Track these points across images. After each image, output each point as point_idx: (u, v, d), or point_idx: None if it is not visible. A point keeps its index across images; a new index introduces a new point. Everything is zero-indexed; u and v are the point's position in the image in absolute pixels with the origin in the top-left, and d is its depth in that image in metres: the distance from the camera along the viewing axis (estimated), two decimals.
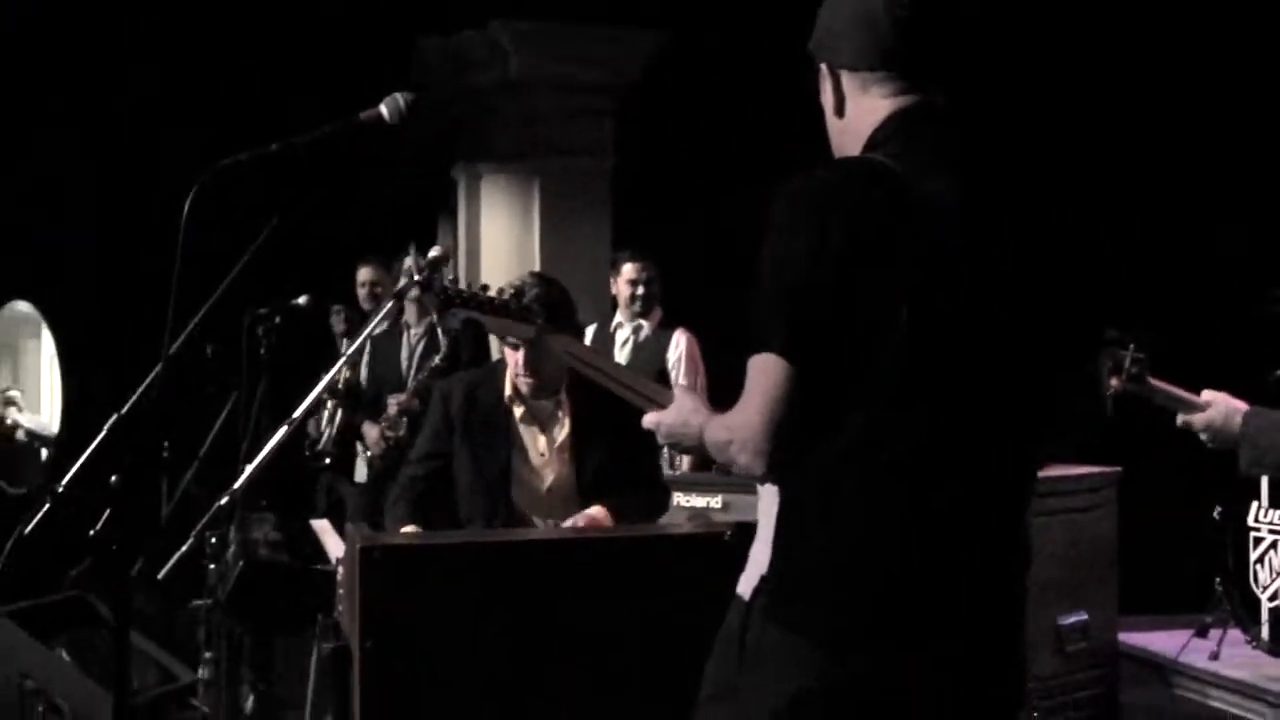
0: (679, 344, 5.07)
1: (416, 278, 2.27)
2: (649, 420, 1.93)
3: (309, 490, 6.34)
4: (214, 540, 2.82)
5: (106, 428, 2.39)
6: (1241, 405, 2.48)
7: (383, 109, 2.28)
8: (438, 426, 3.20)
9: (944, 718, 1.65)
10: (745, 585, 1.78)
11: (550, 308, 2.99)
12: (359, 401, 5.62)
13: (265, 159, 1.93)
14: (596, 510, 2.97)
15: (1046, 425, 1.77)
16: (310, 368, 5.84)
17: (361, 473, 5.73)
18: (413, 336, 5.54)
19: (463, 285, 2.19)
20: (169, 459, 6.34)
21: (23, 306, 7.75)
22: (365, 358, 5.62)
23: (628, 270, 5.17)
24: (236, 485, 2.60)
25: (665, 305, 5.18)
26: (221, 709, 3.20)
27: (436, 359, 5.08)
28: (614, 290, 5.26)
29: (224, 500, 2.59)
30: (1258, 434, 2.42)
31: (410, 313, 5.51)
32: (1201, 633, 4.22)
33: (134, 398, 2.39)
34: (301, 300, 4.75)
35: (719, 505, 4.52)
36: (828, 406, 1.61)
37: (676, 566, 2.40)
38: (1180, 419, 2.55)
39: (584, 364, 2.10)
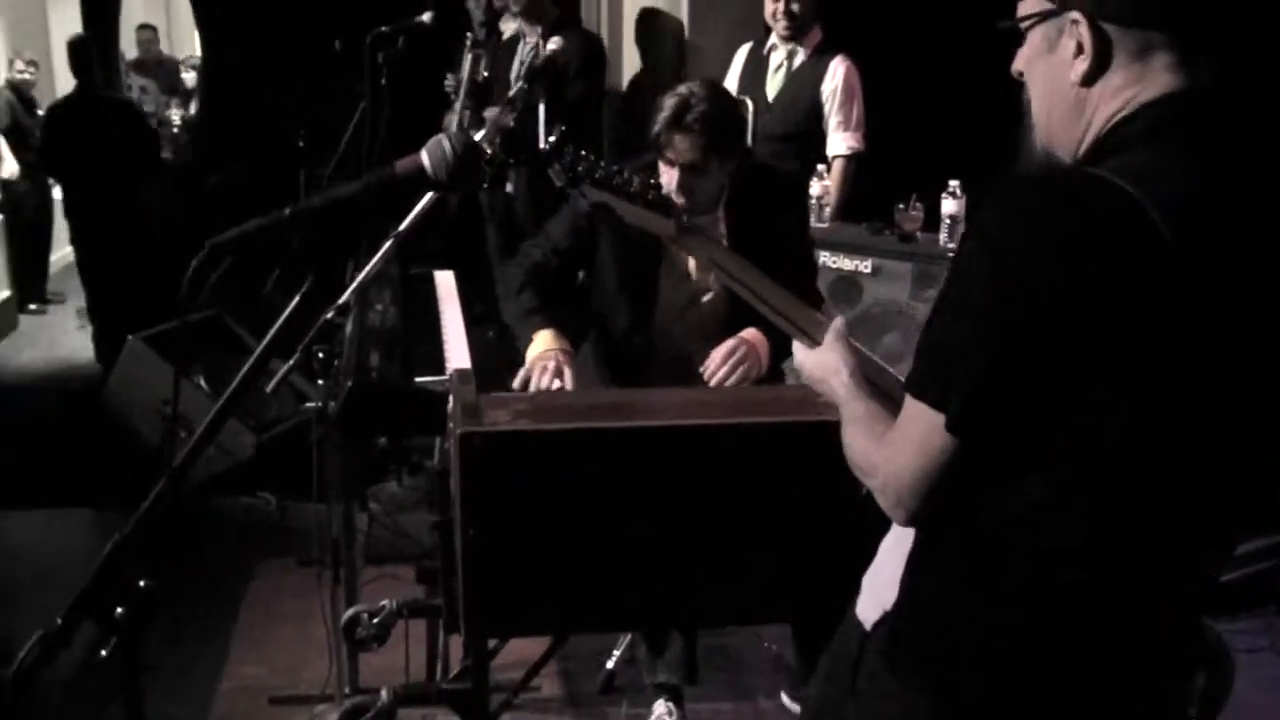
0: (836, 73, 4.52)
1: (545, 144, 1.91)
2: (795, 354, 1.71)
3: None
4: (321, 355, 2.67)
5: None
6: None
7: (424, 158, 1.68)
8: (581, 223, 2.92)
9: None
10: (865, 610, 1.57)
11: (711, 128, 2.62)
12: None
13: (274, 230, 1.54)
14: (750, 333, 2.73)
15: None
16: (436, 87, 5.56)
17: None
18: (525, 48, 5.20)
19: (599, 163, 1.84)
20: (305, 149, 6.27)
21: None
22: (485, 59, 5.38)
23: None
24: (343, 298, 2.44)
25: (827, 26, 4.61)
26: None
27: (521, 84, 4.75)
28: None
29: (330, 314, 2.43)
30: None
31: (525, 26, 5.20)
32: None
33: None
34: (425, 18, 4.37)
35: (868, 270, 4.19)
36: (996, 477, 1.31)
37: (806, 454, 2.15)
38: None
39: (730, 277, 1.81)
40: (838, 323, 1.65)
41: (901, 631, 1.48)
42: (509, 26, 5.57)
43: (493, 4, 5.77)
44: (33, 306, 7.65)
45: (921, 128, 4.50)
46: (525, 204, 5.29)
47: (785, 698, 3.14)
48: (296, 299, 1.79)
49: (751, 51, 4.71)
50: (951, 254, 4.08)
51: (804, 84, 4.56)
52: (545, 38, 5.06)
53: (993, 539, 1.35)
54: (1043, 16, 1.34)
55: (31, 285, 7.71)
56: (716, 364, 2.66)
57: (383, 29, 4.35)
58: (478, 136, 1.94)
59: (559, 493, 2.10)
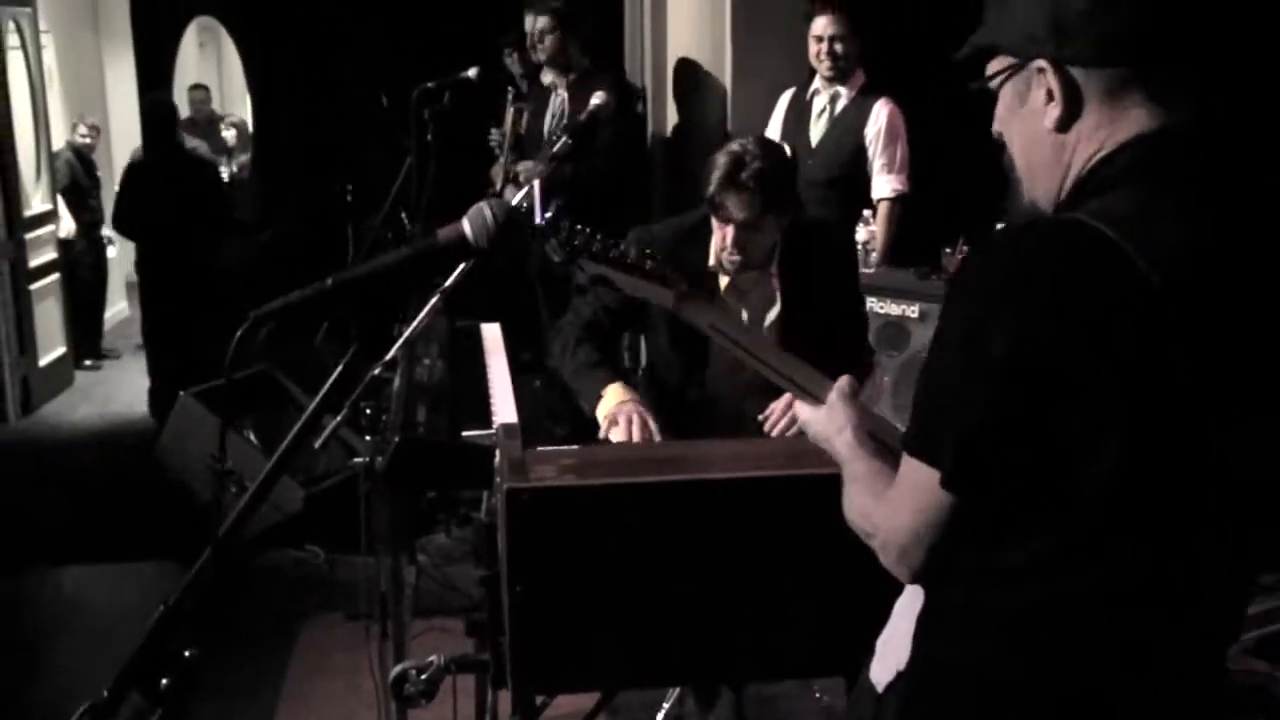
0: (879, 115, 4.49)
1: (540, 220, 1.92)
2: (800, 412, 1.72)
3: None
4: (369, 410, 2.68)
5: None
6: None
7: (465, 226, 1.71)
8: None
9: None
10: (879, 673, 1.53)
11: (766, 185, 2.61)
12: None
13: (317, 299, 1.55)
14: None
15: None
16: (481, 140, 5.62)
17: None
18: (557, 101, 5.19)
19: (595, 236, 1.83)
20: (353, 203, 6.34)
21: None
22: (527, 112, 5.39)
23: (817, 24, 4.53)
24: (390, 353, 2.45)
25: (870, 69, 4.60)
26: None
27: (564, 138, 4.64)
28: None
29: (378, 370, 2.44)
30: None
31: (555, 77, 5.20)
32: None
33: None
34: (470, 73, 4.42)
35: (915, 315, 4.16)
36: (996, 529, 1.29)
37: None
38: None
39: (733, 343, 1.81)
40: (842, 382, 1.64)
41: (913, 692, 1.44)
42: (549, 77, 5.62)
43: (529, 58, 5.82)
44: (88, 363, 7.78)
45: (967, 171, 4.46)
46: None
47: None
48: (342, 364, 1.80)
49: (794, 97, 4.70)
50: None
51: (847, 128, 4.55)
52: (572, 89, 5.04)
53: (998, 591, 1.33)
54: (1011, 71, 1.34)
55: (87, 342, 7.84)
56: (777, 415, 2.65)
57: (428, 85, 4.42)
58: (516, 198, 1.95)
59: (607, 547, 2.08)
